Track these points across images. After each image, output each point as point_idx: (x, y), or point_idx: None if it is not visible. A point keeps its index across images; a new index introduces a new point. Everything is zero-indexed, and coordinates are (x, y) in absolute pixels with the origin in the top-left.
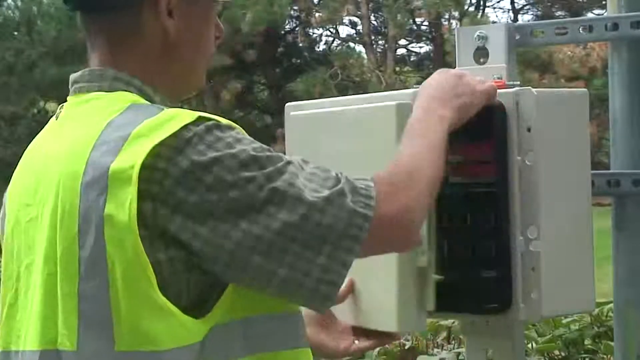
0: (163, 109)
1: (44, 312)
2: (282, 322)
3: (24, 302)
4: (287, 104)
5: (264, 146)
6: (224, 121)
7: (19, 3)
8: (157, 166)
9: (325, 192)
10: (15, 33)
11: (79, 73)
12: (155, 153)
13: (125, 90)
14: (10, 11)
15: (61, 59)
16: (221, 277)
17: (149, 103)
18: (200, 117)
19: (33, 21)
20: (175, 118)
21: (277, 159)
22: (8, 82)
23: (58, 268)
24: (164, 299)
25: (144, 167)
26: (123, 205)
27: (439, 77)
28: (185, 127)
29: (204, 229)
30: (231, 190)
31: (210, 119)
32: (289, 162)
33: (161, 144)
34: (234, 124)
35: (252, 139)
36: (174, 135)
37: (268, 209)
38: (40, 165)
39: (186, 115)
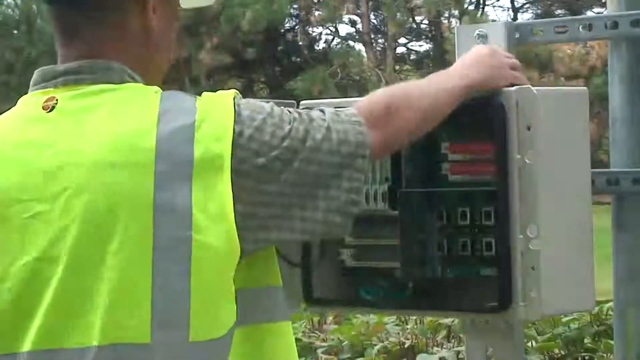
0: (194, 96)
1: (106, 307)
2: (266, 295)
3: (58, 299)
4: (301, 102)
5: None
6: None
7: (19, 1)
8: (240, 150)
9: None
10: (15, 31)
11: (74, 64)
12: (234, 139)
13: (134, 83)
14: (10, 10)
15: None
16: (249, 241)
17: (173, 91)
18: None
19: (33, 19)
20: (222, 97)
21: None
22: (8, 80)
23: (120, 260)
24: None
25: (233, 155)
26: (213, 193)
27: (476, 49)
28: (237, 105)
29: (271, 185)
30: (283, 141)
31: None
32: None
33: (232, 129)
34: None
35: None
36: (237, 122)
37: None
38: (47, 159)
39: (227, 93)
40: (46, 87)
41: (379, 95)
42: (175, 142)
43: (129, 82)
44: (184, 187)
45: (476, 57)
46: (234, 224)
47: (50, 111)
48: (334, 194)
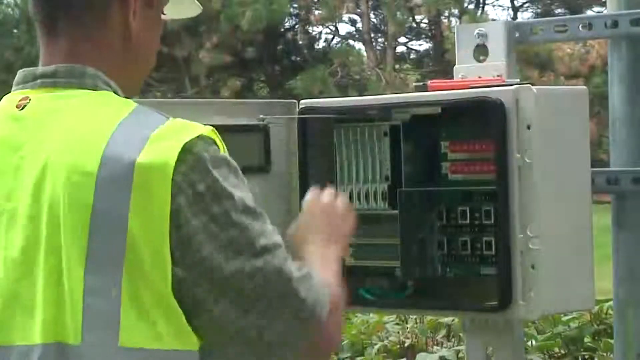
0: (169, 118)
1: (45, 306)
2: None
3: (8, 296)
4: (301, 101)
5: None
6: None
7: (19, 1)
8: (181, 169)
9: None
10: (15, 31)
11: (51, 68)
12: (181, 157)
13: (106, 90)
14: (9, 9)
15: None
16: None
17: (145, 107)
18: (211, 136)
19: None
20: (193, 125)
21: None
22: (7, 79)
23: (64, 261)
24: (174, 300)
25: (175, 168)
26: (154, 203)
27: (314, 215)
28: (207, 140)
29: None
30: (232, 228)
31: (218, 146)
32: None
33: (185, 149)
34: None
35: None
36: (195, 145)
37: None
38: (13, 158)
39: (201, 126)
40: (24, 88)
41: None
42: (120, 149)
43: (103, 88)
44: (123, 192)
45: (326, 228)
46: (168, 239)
47: (22, 109)
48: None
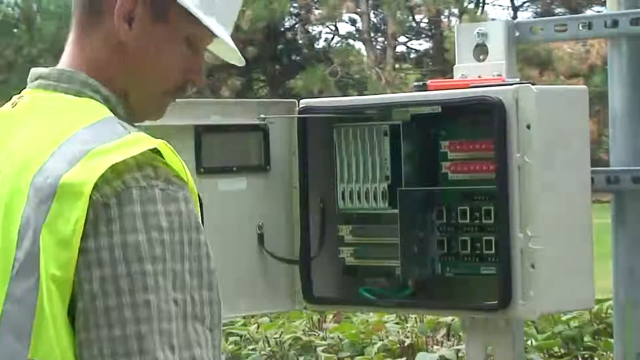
0: (129, 132)
1: None
2: None
3: None
4: (301, 100)
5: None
6: (176, 178)
7: (19, 1)
8: (104, 191)
9: None
10: (15, 30)
11: (47, 69)
12: (107, 177)
13: (92, 98)
14: (10, 8)
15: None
16: None
17: (118, 120)
18: (155, 165)
19: (33, 18)
20: (137, 144)
21: (194, 279)
22: (8, 79)
23: None
24: (67, 318)
25: (96, 186)
26: (68, 219)
27: None
28: (143, 166)
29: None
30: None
31: (167, 170)
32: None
33: (113, 168)
34: (183, 179)
35: (194, 222)
36: (128, 166)
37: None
38: None
39: (148, 142)
40: (30, 87)
41: None
42: (57, 161)
43: (88, 95)
44: (44, 204)
45: None
46: (76, 254)
47: (13, 107)
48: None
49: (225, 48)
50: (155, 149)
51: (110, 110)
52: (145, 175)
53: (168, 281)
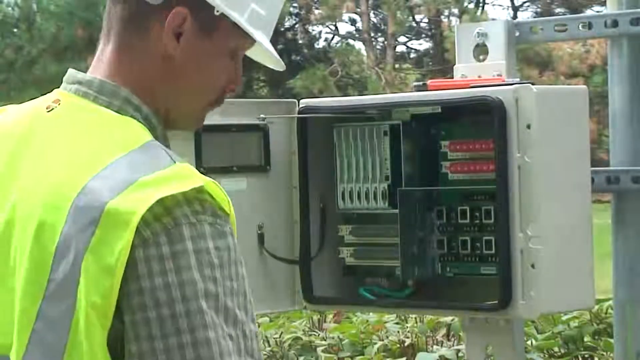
0: (174, 162)
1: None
2: None
3: None
4: (301, 100)
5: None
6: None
7: (19, 0)
8: (154, 229)
9: None
10: (15, 30)
11: (88, 76)
12: (155, 211)
13: (133, 117)
14: (9, 8)
15: (61, 56)
16: None
17: (161, 146)
18: (202, 199)
19: (32, 18)
20: (185, 179)
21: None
22: (8, 78)
23: (22, 281)
24: (106, 346)
25: (144, 220)
26: (112, 248)
27: None
28: (191, 201)
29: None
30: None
31: (212, 204)
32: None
33: (161, 201)
34: (227, 212)
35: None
36: (177, 201)
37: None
38: (17, 159)
39: (196, 179)
40: (65, 89)
41: None
42: (102, 186)
43: (130, 114)
44: (88, 229)
45: None
46: (119, 282)
47: (49, 111)
48: None
49: (262, 51)
50: None
51: (150, 130)
52: (194, 211)
53: (221, 317)
